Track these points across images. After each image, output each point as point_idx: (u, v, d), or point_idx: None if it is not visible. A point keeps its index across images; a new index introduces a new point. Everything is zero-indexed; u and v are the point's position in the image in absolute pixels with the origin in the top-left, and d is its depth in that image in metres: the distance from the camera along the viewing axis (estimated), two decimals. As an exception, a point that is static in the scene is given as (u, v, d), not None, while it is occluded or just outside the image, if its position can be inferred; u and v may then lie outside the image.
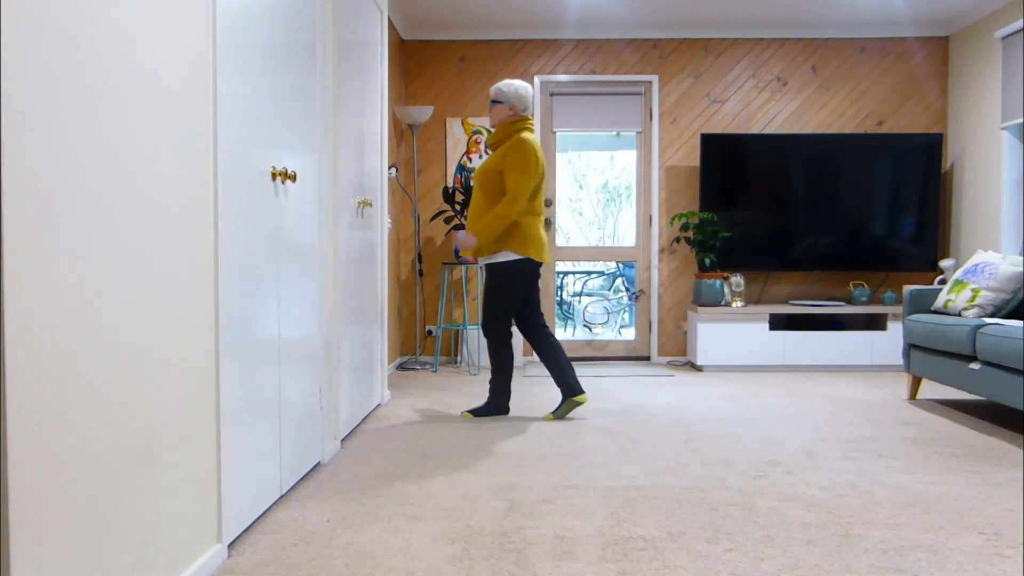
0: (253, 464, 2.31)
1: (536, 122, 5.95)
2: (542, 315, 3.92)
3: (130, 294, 1.61)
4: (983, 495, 2.63)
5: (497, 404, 3.91)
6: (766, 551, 2.13)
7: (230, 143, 2.11)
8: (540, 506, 2.52)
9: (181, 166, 1.83)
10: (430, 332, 5.99)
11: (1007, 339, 3.39)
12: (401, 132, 5.77)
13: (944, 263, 5.44)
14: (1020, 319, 3.98)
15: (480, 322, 3.98)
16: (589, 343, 6.14)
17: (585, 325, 7.31)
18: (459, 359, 5.97)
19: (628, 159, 6.12)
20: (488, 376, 5.31)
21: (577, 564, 2.05)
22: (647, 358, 6.10)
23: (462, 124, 5.95)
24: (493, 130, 3.88)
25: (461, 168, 5.97)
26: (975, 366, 3.67)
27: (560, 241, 6.19)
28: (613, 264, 7.37)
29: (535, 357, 6.01)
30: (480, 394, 4.59)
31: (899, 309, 5.53)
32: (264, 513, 2.45)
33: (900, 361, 5.50)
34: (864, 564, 2.04)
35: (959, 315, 4.07)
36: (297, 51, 2.72)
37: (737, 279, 5.61)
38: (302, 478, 2.84)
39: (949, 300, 4.19)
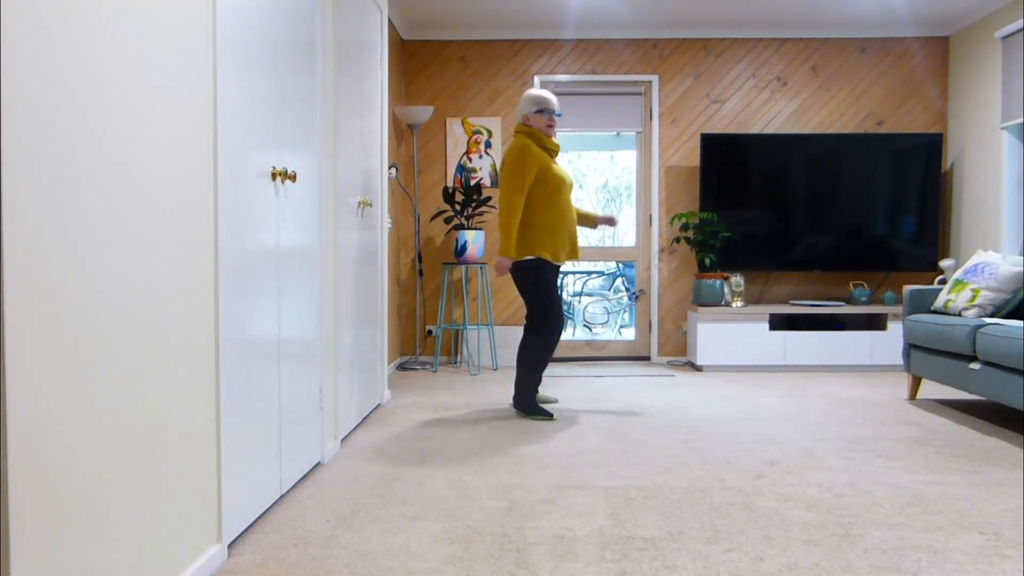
0: (253, 464, 2.31)
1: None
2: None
3: (130, 294, 1.61)
4: (983, 495, 2.63)
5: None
6: (766, 551, 2.13)
7: (230, 143, 2.11)
8: (540, 506, 2.52)
9: (181, 166, 1.83)
10: (430, 332, 5.99)
11: (1007, 339, 3.39)
12: (401, 132, 5.77)
13: (944, 263, 5.44)
14: (1020, 319, 3.98)
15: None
16: (589, 343, 6.14)
17: (585, 325, 7.30)
18: (459, 359, 5.97)
19: (628, 159, 6.12)
20: (489, 376, 5.30)
21: (577, 564, 2.05)
22: (647, 358, 6.10)
23: (462, 124, 5.96)
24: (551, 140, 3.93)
25: (461, 168, 5.97)
26: (975, 366, 3.67)
27: (560, 241, 6.18)
28: (613, 264, 7.36)
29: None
30: (478, 393, 4.59)
31: (899, 309, 5.53)
32: (264, 513, 2.45)
33: (900, 361, 5.50)
34: (864, 564, 2.04)
35: (959, 315, 4.07)
36: (297, 51, 2.72)
37: (737, 279, 5.61)
38: (302, 478, 2.84)
39: (949, 300, 4.19)
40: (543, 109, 3.83)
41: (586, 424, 3.76)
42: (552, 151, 3.87)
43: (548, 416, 3.85)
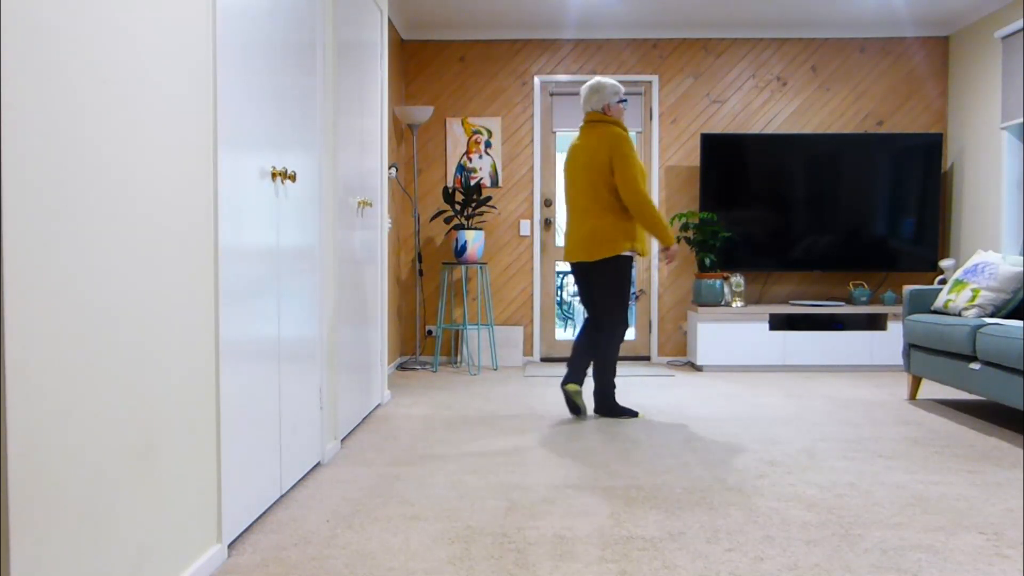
0: (253, 464, 2.31)
1: (536, 123, 5.96)
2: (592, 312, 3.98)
3: (130, 294, 1.61)
4: (983, 495, 2.63)
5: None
6: (766, 551, 2.13)
7: (230, 143, 2.11)
8: (540, 506, 2.52)
9: (181, 166, 1.83)
10: (430, 332, 6.00)
11: (1007, 339, 3.39)
12: (401, 132, 5.77)
13: (944, 263, 5.44)
14: (1020, 319, 3.98)
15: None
16: (589, 343, 6.14)
17: (585, 325, 7.29)
18: (459, 359, 5.97)
19: (628, 159, 6.13)
20: (489, 376, 5.31)
21: (577, 564, 2.05)
22: (647, 358, 6.10)
23: (462, 124, 5.96)
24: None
25: (461, 168, 5.97)
26: (975, 366, 3.67)
27: (560, 241, 6.18)
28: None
29: (534, 357, 6.02)
30: (478, 393, 4.60)
31: (899, 309, 5.53)
32: (264, 513, 2.45)
33: (900, 361, 5.49)
34: (864, 564, 2.04)
35: (959, 315, 4.07)
36: (297, 51, 2.72)
37: (737, 279, 5.61)
38: (302, 478, 2.84)
39: (949, 300, 4.19)
40: (625, 99, 3.91)
41: (586, 424, 3.76)
42: None
43: (633, 414, 3.93)
